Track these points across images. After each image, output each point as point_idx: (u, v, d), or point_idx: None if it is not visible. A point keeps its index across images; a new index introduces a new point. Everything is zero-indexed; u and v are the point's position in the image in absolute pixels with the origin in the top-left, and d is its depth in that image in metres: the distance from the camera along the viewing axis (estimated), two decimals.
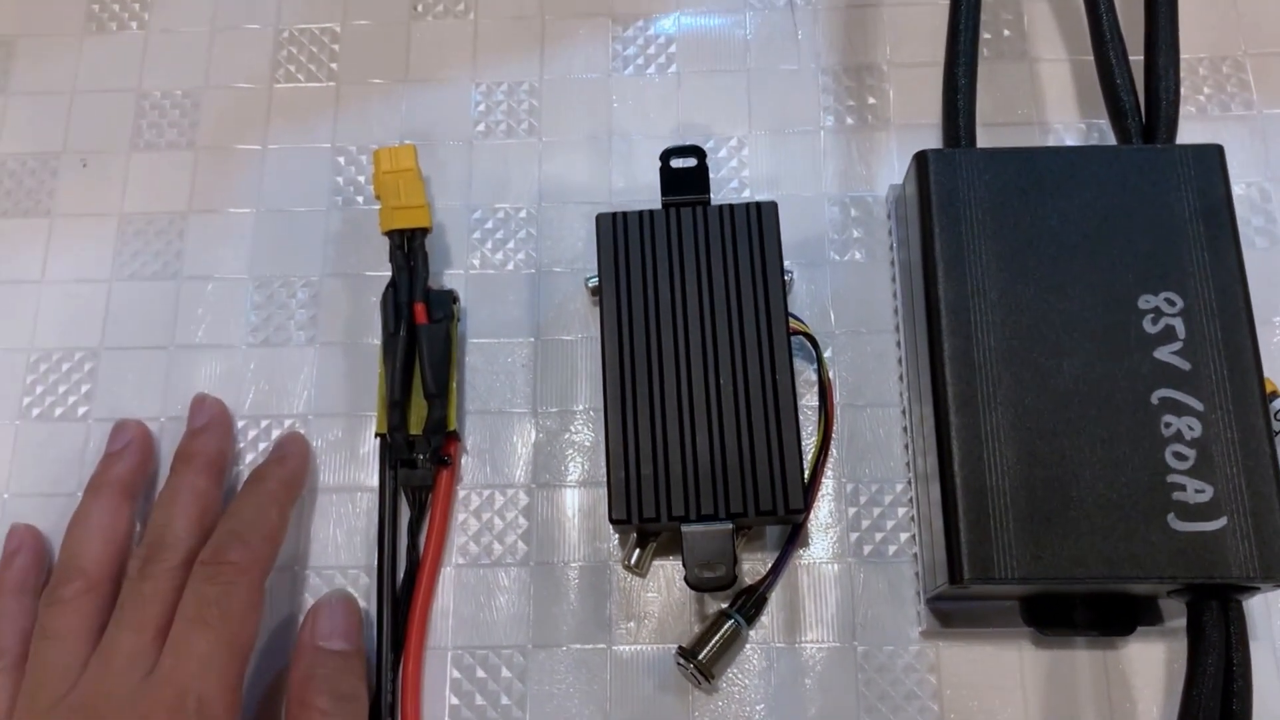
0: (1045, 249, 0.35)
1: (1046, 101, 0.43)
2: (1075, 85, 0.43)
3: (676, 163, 0.39)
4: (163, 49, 0.46)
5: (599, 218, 0.38)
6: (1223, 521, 0.32)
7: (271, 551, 0.36)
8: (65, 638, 0.33)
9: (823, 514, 0.38)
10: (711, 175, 0.42)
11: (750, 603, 0.37)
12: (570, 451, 0.40)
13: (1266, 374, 0.37)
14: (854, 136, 0.43)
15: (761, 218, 0.38)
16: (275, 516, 0.36)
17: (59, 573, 0.35)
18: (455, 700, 0.37)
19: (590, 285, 0.41)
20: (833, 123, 0.43)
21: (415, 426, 0.39)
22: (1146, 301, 0.34)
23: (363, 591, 0.38)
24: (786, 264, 0.40)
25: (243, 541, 0.34)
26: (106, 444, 0.39)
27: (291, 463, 0.39)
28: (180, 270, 0.43)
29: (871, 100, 0.44)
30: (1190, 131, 0.41)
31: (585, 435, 0.40)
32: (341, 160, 0.44)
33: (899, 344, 0.40)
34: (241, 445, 0.40)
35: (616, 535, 0.39)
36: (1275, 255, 0.41)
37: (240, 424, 0.41)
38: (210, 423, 0.39)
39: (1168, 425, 0.33)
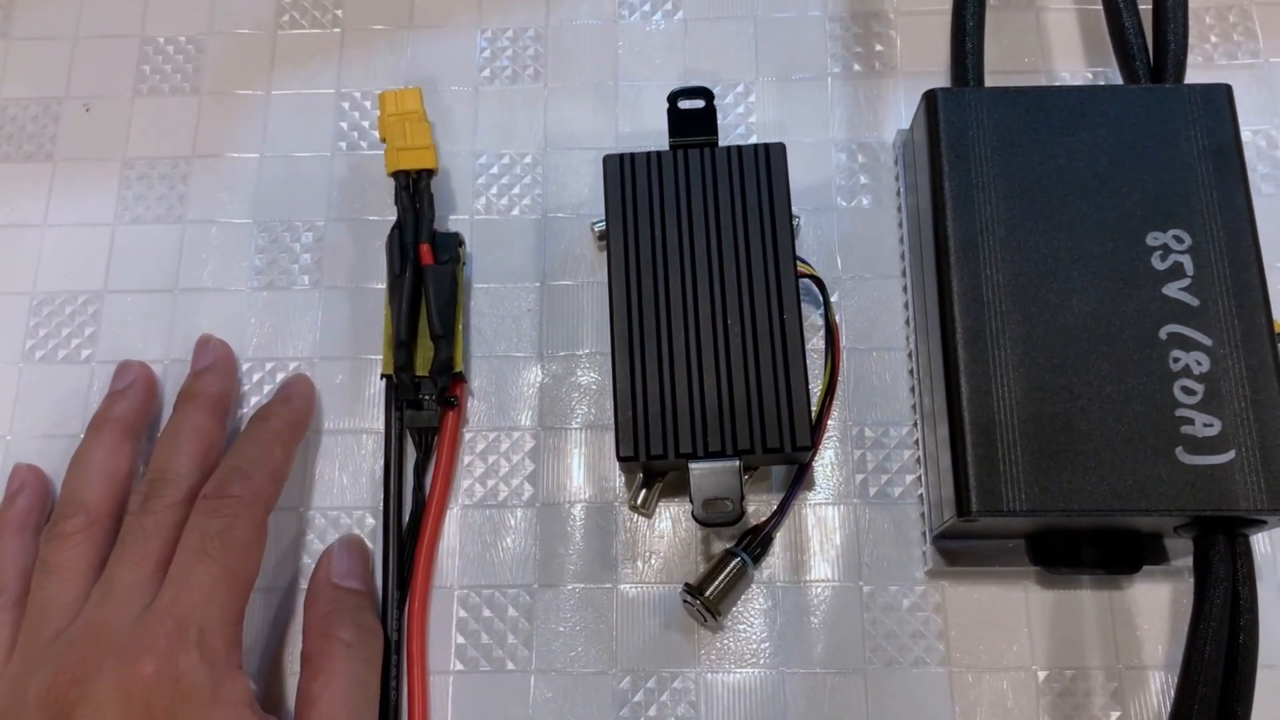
0: (1054, 186, 0.35)
1: (1053, 50, 0.43)
2: (1081, 34, 0.43)
3: (684, 104, 0.39)
4: None
5: (606, 159, 0.38)
6: (1231, 455, 0.32)
7: (275, 488, 0.35)
8: (66, 572, 0.33)
9: (828, 456, 0.38)
10: (719, 121, 0.42)
11: (756, 542, 0.37)
12: (576, 395, 0.40)
13: (1275, 315, 0.37)
14: (861, 83, 0.43)
15: (770, 159, 0.38)
16: (279, 454, 0.36)
17: (60, 508, 0.35)
18: (461, 639, 0.37)
19: (596, 230, 0.41)
20: (840, 69, 0.43)
21: (421, 368, 0.38)
22: (1155, 238, 0.34)
23: (369, 532, 0.38)
24: (794, 209, 0.40)
25: (246, 477, 0.34)
26: (110, 384, 0.39)
27: (296, 403, 0.38)
28: (184, 214, 0.42)
29: (879, 47, 0.43)
30: (1197, 79, 0.41)
31: (591, 379, 0.40)
32: (346, 106, 0.44)
33: (905, 288, 0.40)
34: (246, 388, 0.40)
35: (623, 476, 0.39)
36: None
37: (244, 367, 0.40)
38: (214, 363, 0.39)
39: (1176, 360, 0.33)
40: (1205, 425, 0.33)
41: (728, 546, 0.37)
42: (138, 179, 0.43)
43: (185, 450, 0.35)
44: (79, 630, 0.31)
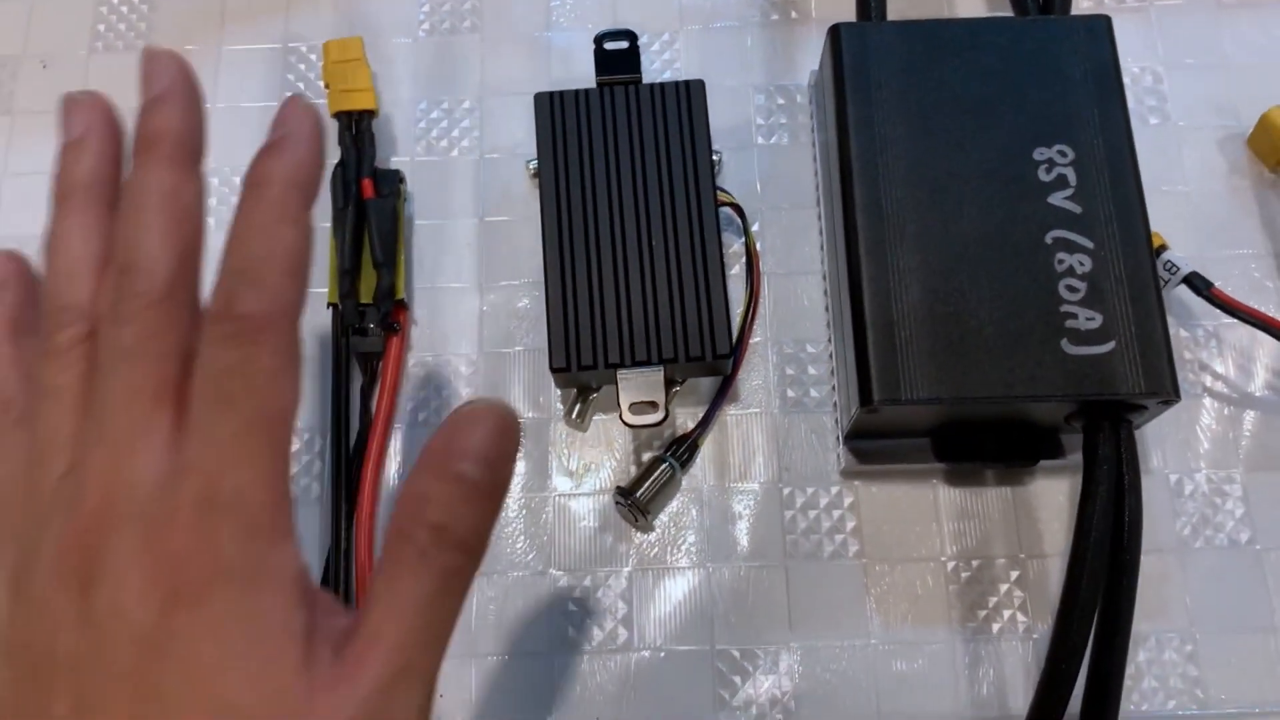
0: (948, 109, 0.38)
1: None
2: None
3: (609, 45, 0.42)
4: None
5: (537, 96, 0.41)
6: (1111, 345, 0.35)
7: (297, 286, 0.24)
8: (67, 397, 0.24)
9: (751, 371, 0.41)
10: (645, 68, 0.45)
11: (684, 448, 0.39)
12: (513, 322, 0.42)
13: (1158, 233, 0.40)
14: (778, 30, 0.46)
15: (690, 94, 0.41)
16: (291, 236, 0.24)
17: (49, 315, 0.25)
18: None
19: (531, 168, 0.43)
20: (759, 17, 0.46)
21: (365, 295, 0.41)
22: (1041, 153, 0.37)
23: (317, 452, 0.40)
24: (716, 146, 0.42)
25: (256, 283, 0.24)
26: (60, 131, 0.27)
27: (297, 149, 0.25)
28: None
29: None
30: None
31: (527, 306, 0.42)
32: (293, 59, 0.46)
33: (819, 216, 0.43)
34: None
35: (559, 394, 0.41)
36: (1166, 131, 0.44)
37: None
38: (170, 88, 0.26)
39: (1060, 262, 0.36)
40: (1088, 319, 0.35)
41: (657, 454, 0.39)
42: None
43: (153, 224, 0.24)
44: (87, 481, 0.23)
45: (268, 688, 0.22)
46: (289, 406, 0.24)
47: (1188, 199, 0.43)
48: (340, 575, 0.38)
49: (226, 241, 0.24)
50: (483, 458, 0.23)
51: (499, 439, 0.23)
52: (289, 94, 0.28)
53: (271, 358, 0.23)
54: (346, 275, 0.41)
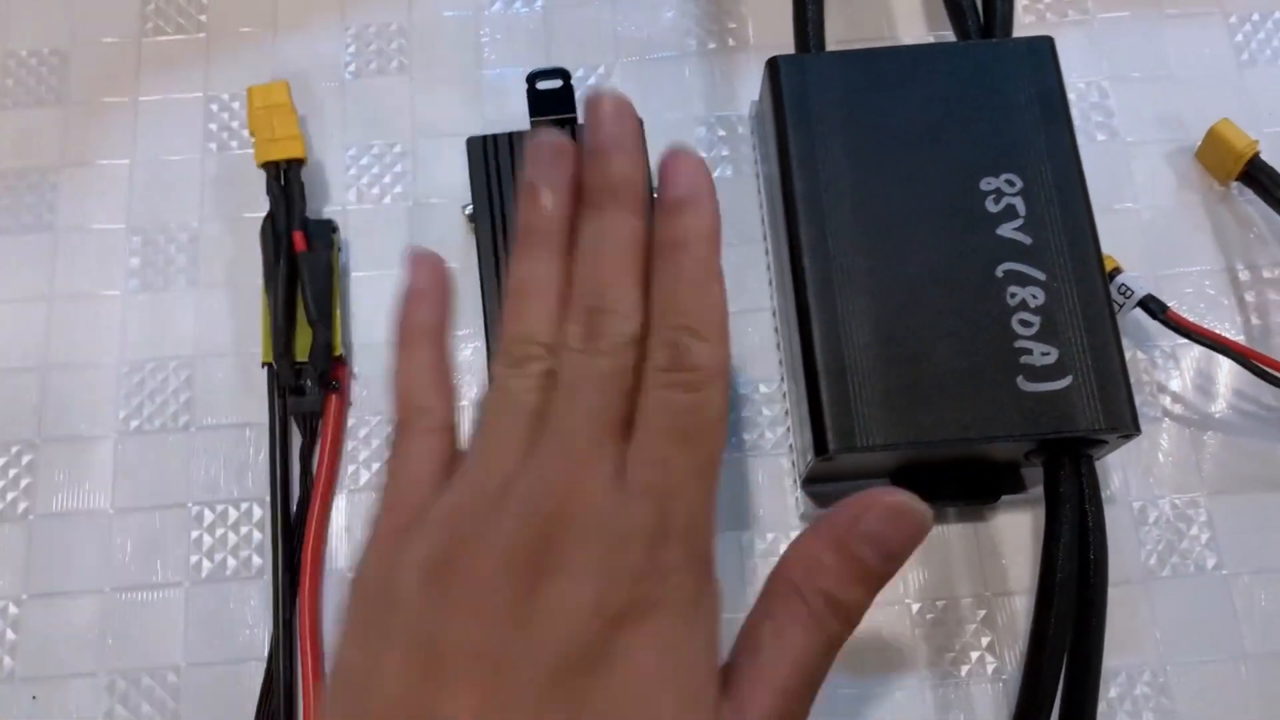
0: (892, 142, 0.37)
1: (896, 19, 0.45)
2: (923, 4, 0.45)
3: (542, 85, 0.40)
4: (25, 7, 0.46)
5: (469, 141, 0.39)
6: (1068, 380, 0.34)
7: (728, 342, 0.26)
8: (523, 411, 0.25)
9: None
10: (579, 105, 0.43)
11: None
12: (456, 374, 0.41)
13: (1111, 256, 0.39)
14: (716, 60, 0.45)
15: None
16: (719, 293, 0.26)
17: (515, 339, 0.26)
18: None
19: (468, 214, 0.42)
20: (696, 47, 0.45)
21: (301, 353, 0.39)
22: (988, 183, 0.36)
23: (257, 522, 0.39)
24: (657, 184, 0.41)
25: (703, 338, 0.25)
26: (520, 177, 0.28)
27: (708, 205, 0.26)
28: (55, 223, 0.43)
29: (732, 24, 0.45)
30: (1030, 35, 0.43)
31: (470, 358, 0.41)
32: (214, 108, 0.44)
33: (767, 251, 0.41)
34: (126, 390, 0.40)
35: None
36: (1114, 148, 0.43)
37: (125, 369, 0.41)
38: (622, 137, 0.27)
39: (1013, 295, 0.35)
40: (1043, 354, 0.34)
41: None
42: (6, 190, 0.43)
43: (625, 270, 0.26)
44: (545, 487, 0.24)
45: (689, 716, 0.23)
46: (721, 453, 0.26)
47: (1139, 217, 0.42)
48: (285, 653, 0.37)
49: (662, 294, 0.25)
50: (886, 551, 0.25)
51: (907, 537, 0.25)
52: (674, 144, 0.27)
53: (718, 405, 0.25)
54: (281, 333, 0.39)
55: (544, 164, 0.28)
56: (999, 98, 0.37)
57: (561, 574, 0.23)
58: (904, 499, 0.25)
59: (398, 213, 0.43)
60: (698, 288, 0.26)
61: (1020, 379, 0.34)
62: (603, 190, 0.27)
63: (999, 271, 0.35)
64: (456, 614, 0.23)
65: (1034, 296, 0.35)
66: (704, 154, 0.43)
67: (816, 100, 0.37)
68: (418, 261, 0.29)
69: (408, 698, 0.22)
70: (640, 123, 0.27)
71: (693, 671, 0.23)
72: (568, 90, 0.40)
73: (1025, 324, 0.35)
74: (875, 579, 0.25)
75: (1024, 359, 0.34)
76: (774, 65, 0.38)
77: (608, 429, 0.25)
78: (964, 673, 0.37)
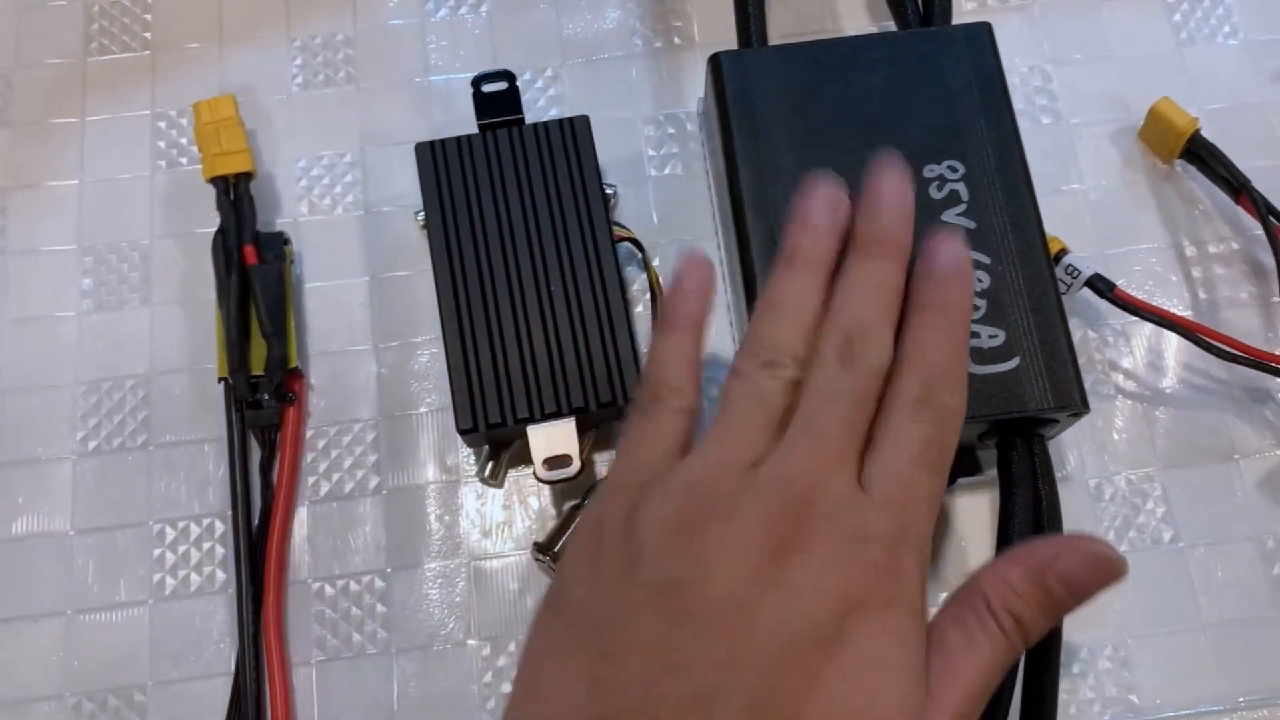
0: (835, 132, 0.37)
1: (840, 11, 0.46)
2: None
3: (488, 87, 0.40)
4: None
5: (418, 147, 0.39)
6: (1016, 361, 0.35)
7: (965, 396, 0.29)
8: (770, 407, 0.28)
9: None
10: (530, 106, 0.44)
11: None
12: (414, 381, 0.41)
13: (1058, 237, 0.40)
14: (663, 58, 0.45)
15: (575, 130, 0.40)
16: (966, 361, 0.29)
17: (770, 344, 0.29)
18: (320, 629, 0.38)
19: (420, 220, 0.42)
20: (642, 45, 0.45)
21: (257, 367, 0.39)
22: (931, 170, 0.37)
23: (219, 537, 0.39)
24: (609, 181, 0.41)
25: (954, 388, 0.28)
26: (796, 210, 0.31)
27: (968, 282, 0.30)
28: (5, 247, 0.42)
29: (677, 22, 0.45)
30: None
31: (427, 364, 0.41)
32: (163, 125, 0.44)
33: (719, 247, 0.42)
34: (83, 411, 0.40)
35: (470, 453, 0.40)
36: (1059, 130, 0.44)
37: (81, 389, 0.41)
38: (900, 204, 0.30)
39: None
40: (991, 337, 0.35)
41: (574, 503, 0.38)
42: None
43: (887, 311, 0.29)
44: (795, 476, 0.26)
45: (908, 704, 0.24)
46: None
47: (1084, 197, 0.43)
48: (250, 666, 0.37)
49: (921, 339, 0.28)
50: (1078, 591, 0.26)
51: (1100, 584, 0.26)
52: (943, 227, 0.32)
53: (952, 448, 0.28)
54: (235, 347, 0.39)
55: (820, 202, 0.31)
56: (939, 85, 0.38)
57: (808, 555, 0.25)
58: (1106, 551, 0.26)
59: (350, 222, 0.43)
60: (955, 349, 0.29)
61: (970, 362, 0.35)
62: (877, 241, 0.30)
63: None
64: (706, 566, 0.25)
65: (979, 280, 0.35)
66: (652, 152, 0.44)
67: (759, 95, 0.38)
68: (692, 262, 0.31)
69: (654, 638, 0.24)
70: (911, 191, 0.31)
71: (913, 666, 0.25)
72: (513, 92, 0.41)
73: (972, 308, 0.35)
74: (1060, 611, 0.26)
75: (972, 342, 0.35)
76: (716, 61, 0.38)
77: (853, 440, 0.27)
78: None
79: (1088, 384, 0.39)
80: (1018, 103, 0.42)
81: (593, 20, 0.45)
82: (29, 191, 0.43)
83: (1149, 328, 0.40)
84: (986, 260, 0.36)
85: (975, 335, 0.35)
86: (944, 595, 0.37)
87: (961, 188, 0.36)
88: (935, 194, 0.36)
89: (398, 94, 0.44)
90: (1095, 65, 0.45)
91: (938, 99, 0.38)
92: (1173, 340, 0.41)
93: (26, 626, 0.38)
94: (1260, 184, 0.40)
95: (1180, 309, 0.41)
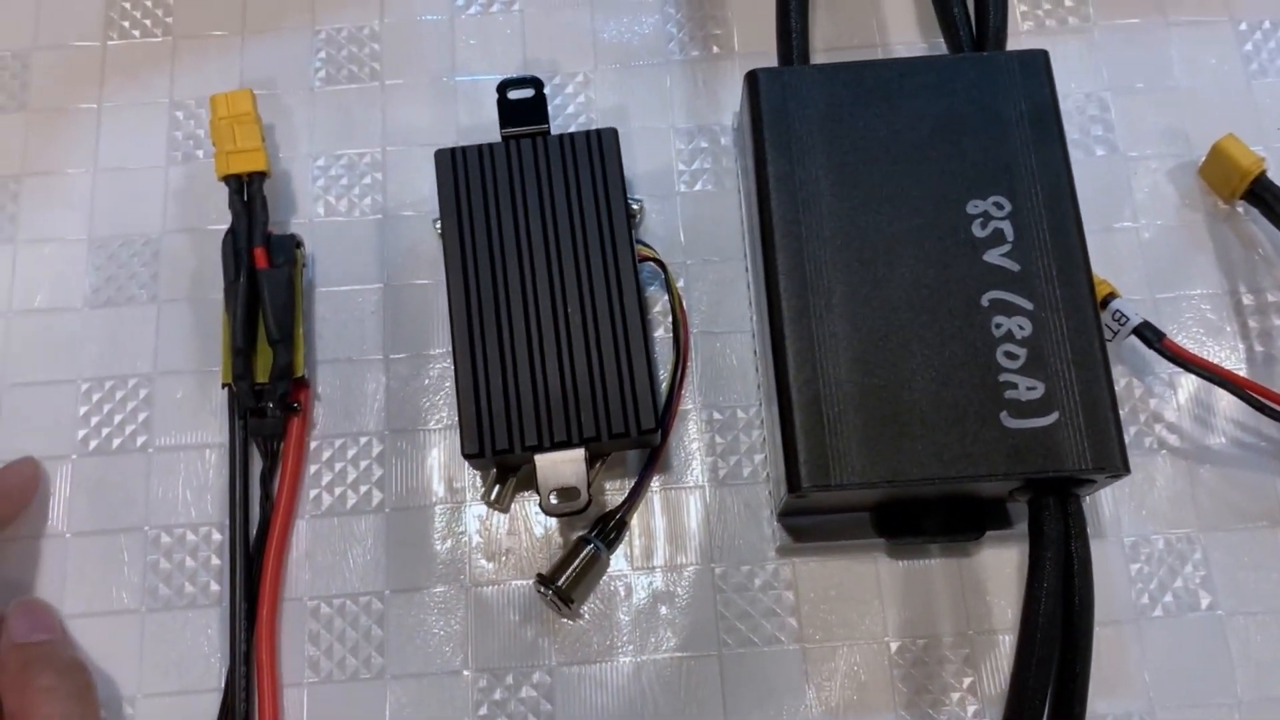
0: (875, 160, 0.35)
1: (888, 26, 0.43)
2: (916, 9, 0.44)
3: (514, 94, 0.39)
4: None
5: (438, 154, 0.38)
6: (1055, 416, 0.33)
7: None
8: None
9: (680, 440, 0.38)
10: (559, 111, 0.42)
11: (610, 527, 0.37)
12: (424, 396, 0.39)
13: (1110, 280, 0.38)
14: (699, 68, 0.43)
15: (602, 144, 0.38)
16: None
17: None
18: (313, 650, 0.36)
19: (438, 228, 0.40)
20: (678, 53, 0.43)
21: (262, 374, 0.38)
22: (975, 206, 0.35)
23: (216, 547, 0.38)
24: (636, 195, 0.40)
25: None
26: None
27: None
28: (16, 235, 0.41)
29: (716, 31, 0.43)
30: (1029, 46, 0.41)
31: (439, 379, 0.39)
32: (180, 115, 0.43)
33: (747, 269, 0.40)
34: (85, 409, 0.39)
35: (477, 475, 0.38)
36: (1114, 163, 0.41)
37: (84, 386, 0.39)
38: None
39: (998, 326, 0.33)
40: (1029, 389, 0.33)
41: (580, 534, 0.37)
42: None
43: None
44: None
45: None
46: None
47: (1137, 236, 0.40)
48: (241, 685, 0.35)
49: None
50: None
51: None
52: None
53: None
54: (240, 354, 0.38)
55: None
56: (989, 114, 0.36)
57: None
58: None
59: (366, 225, 0.41)
60: None
61: (1005, 414, 0.33)
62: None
63: (985, 300, 0.34)
64: None
65: (1020, 327, 0.33)
66: (683, 166, 0.42)
67: (797, 116, 0.36)
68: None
69: None
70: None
71: None
72: (540, 100, 0.39)
73: (1011, 356, 0.33)
74: None
75: (1009, 393, 0.33)
76: (753, 79, 0.36)
77: None
78: (943, 716, 0.35)
79: (1129, 435, 0.37)
80: (1071, 132, 0.40)
81: (629, 24, 0.43)
82: (41, 178, 0.42)
83: (1197, 379, 0.38)
84: (1029, 306, 0.34)
85: (1013, 386, 0.33)
86: (962, 655, 0.36)
87: (1007, 226, 0.34)
88: (978, 231, 0.34)
89: (423, 93, 0.43)
90: (1157, 95, 0.42)
91: (987, 130, 0.35)
92: (1222, 394, 0.38)
93: None
94: None
95: (1233, 361, 0.39)
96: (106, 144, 0.42)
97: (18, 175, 0.42)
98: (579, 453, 0.35)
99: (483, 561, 0.37)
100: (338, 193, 0.42)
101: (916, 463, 0.32)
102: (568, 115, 0.42)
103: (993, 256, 0.34)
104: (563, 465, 0.35)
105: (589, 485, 0.35)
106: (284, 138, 0.42)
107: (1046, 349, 0.33)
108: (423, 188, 0.41)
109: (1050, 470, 0.32)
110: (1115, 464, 0.32)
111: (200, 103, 0.43)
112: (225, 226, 0.40)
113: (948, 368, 0.33)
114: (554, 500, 0.35)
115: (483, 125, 0.42)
